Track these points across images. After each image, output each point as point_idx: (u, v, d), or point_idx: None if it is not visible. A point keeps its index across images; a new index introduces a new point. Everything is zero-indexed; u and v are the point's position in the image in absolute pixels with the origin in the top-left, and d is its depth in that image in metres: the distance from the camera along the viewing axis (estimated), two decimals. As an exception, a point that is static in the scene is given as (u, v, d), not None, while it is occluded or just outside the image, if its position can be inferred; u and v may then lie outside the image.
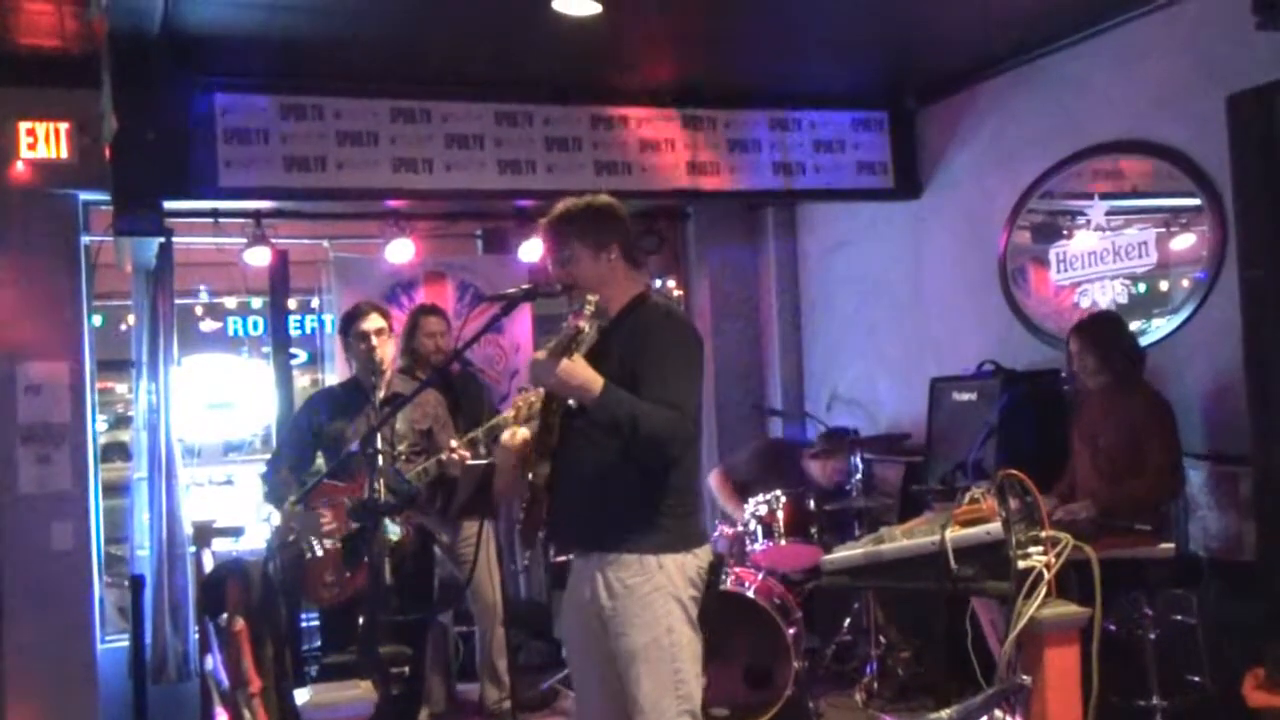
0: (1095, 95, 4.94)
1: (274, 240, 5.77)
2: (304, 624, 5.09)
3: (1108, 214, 4.98)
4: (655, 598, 2.78)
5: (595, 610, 2.83)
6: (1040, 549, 2.91)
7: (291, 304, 6.47)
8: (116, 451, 8.29)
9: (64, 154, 5.00)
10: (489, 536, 4.41)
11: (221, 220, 5.73)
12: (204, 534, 4.60)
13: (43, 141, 4.97)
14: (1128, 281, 4.89)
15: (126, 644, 4.97)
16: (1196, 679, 4.22)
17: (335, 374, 6.18)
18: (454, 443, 4.37)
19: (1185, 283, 4.66)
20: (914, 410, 5.67)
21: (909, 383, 5.94)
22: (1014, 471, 2.97)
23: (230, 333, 8.61)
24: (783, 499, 5.25)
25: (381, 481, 3.76)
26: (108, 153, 4.46)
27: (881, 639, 5.17)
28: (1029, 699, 2.86)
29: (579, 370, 2.72)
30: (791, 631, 4.75)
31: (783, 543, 5.19)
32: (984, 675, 3.21)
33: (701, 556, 2.88)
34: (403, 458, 4.36)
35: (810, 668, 5.20)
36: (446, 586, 5.03)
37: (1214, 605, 4.25)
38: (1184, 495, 4.38)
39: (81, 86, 4.77)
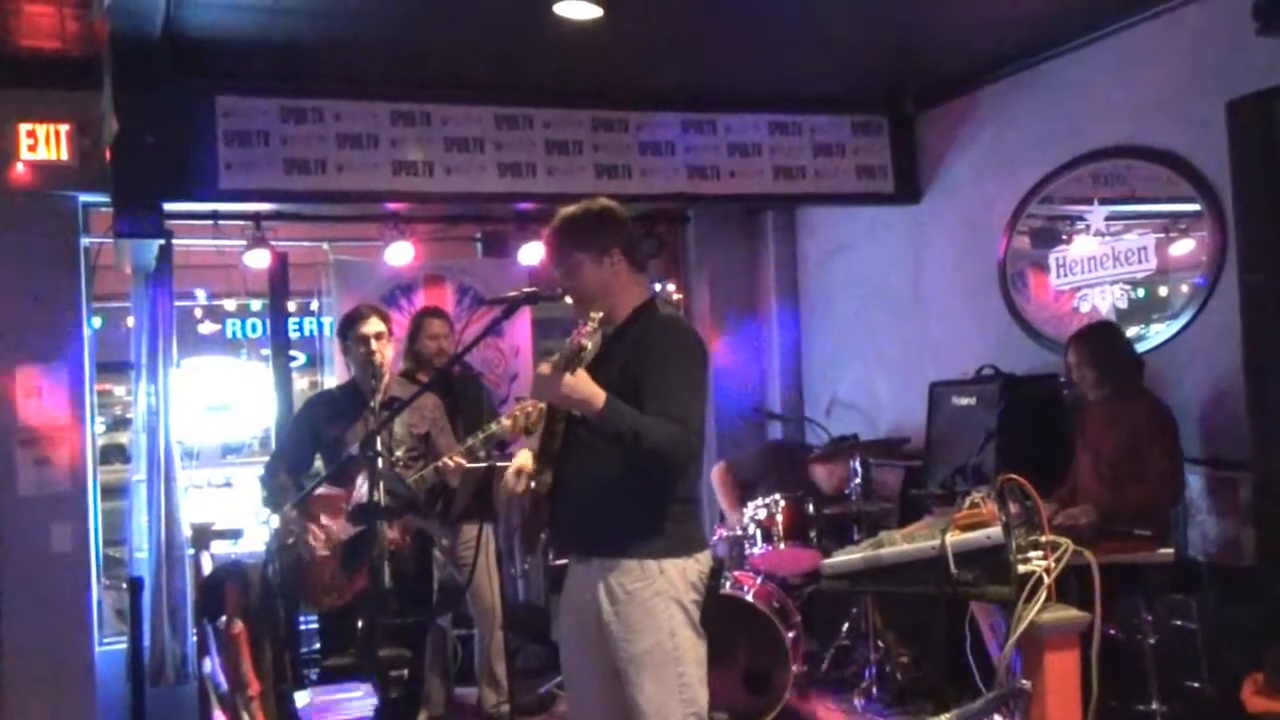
0: (1096, 100, 4.94)
1: (273, 242, 5.77)
2: (303, 627, 5.10)
3: (1107, 219, 4.98)
4: (657, 603, 2.77)
5: (595, 616, 2.83)
6: (1040, 553, 2.91)
7: (291, 306, 6.47)
8: (115, 453, 8.27)
9: (64, 156, 4.99)
10: (489, 540, 4.41)
11: (221, 222, 5.73)
12: (202, 536, 4.59)
13: (43, 143, 4.96)
14: (1127, 286, 4.89)
15: (125, 646, 4.97)
16: (1196, 684, 4.22)
17: (334, 377, 6.18)
18: (448, 460, 4.36)
19: (1184, 288, 4.67)
20: (913, 414, 5.67)
21: (908, 387, 5.94)
22: (1014, 476, 2.97)
23: (229, 335, 8.59)
24: (782, 503, 5.25)
25: (381, 485, 3.76)
26: (108, 155, 4.46)
27: (880, 643, 5.17)
28: (1029, 703, 2.86)
29: (581, 386, 2.71)
30: (790, 636, 4.75)
31: (782, 547, 5.19)
32: (982, 680, 3.21)
33: (703, 561, 2.88)
34: (400, 462, 4.35)
35: (809, 672, 5.20)
36: (446, 590, 5.03)
37: (1213, 610, 4.25)
38: (1184, 500, 4.38)
39: (82, 88, 4.77)
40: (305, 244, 6.38)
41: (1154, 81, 4.66)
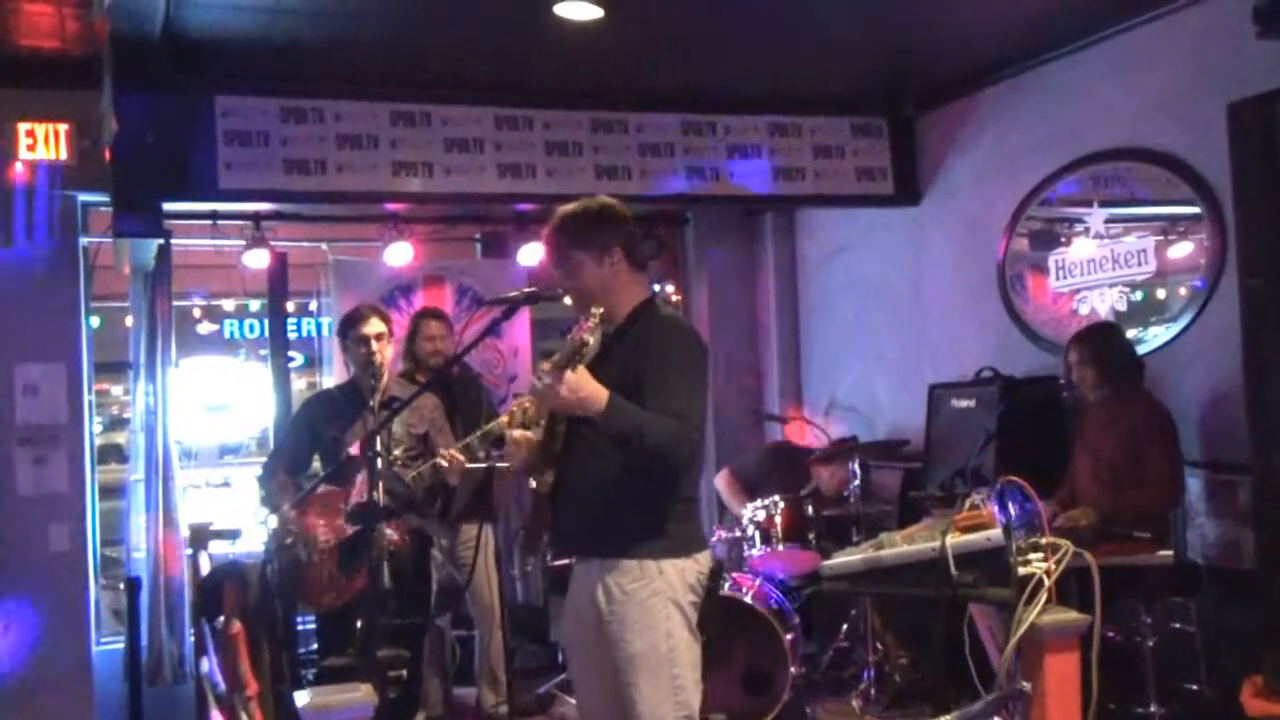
0: (1095, 103, 4.94)
1: (273, 243, 5.77)
2: (301, 627, 5.09)
3: (1107, 221, 4.98)
4: (654, 603, 2.77)
5: (594, 615, 2.83)
6: (1040, 555, 2.91)
7: (290, 307, 6.46)
8: (113, 453, 8.26)
9: (63, 155, 4.99)
10: (488, 540, 4.41)
11: (220, 222, 5.73)
12: (201, 536, 4.59)
13: (42, 143, 4.96)
14: (1126, 289, 4.89)
15: (122, 646, 4.97)
16: (1195, 686, 4.22)
17: (333, 377, 6.18)
18: (445, 455, 4.35)
19: (1183, 291, 4.67)
20: (913, 416, 5.67)
21: (908, 389, 5.94)
22: (1014, 478, 2.97)
23: (228, 335, 8.59)
24: (781, 504, 5.25)
25: (380, 485, 3.75)
26: (107, 154, 4.46)
27: (879, 645, 5.17)
28: (1028, 705, 2.86)
29: (584, 384, 2.69)
30: (789, 637, 4.75)
31: (780, 548, 5.18)
32: (982, 682, 3.20)
33: (702, 562, 2.88)
34: (398, 462, 4.35)
35: (807, 674, 5.20)
36: (445, 590, 5.02)
37: (1212, 613, 4.25)
38: (1183, 503, 4.38)
39: (81, 88, 4.76)
40: (304, 244, 6.37)
41: (1154, 84, 4.66)
